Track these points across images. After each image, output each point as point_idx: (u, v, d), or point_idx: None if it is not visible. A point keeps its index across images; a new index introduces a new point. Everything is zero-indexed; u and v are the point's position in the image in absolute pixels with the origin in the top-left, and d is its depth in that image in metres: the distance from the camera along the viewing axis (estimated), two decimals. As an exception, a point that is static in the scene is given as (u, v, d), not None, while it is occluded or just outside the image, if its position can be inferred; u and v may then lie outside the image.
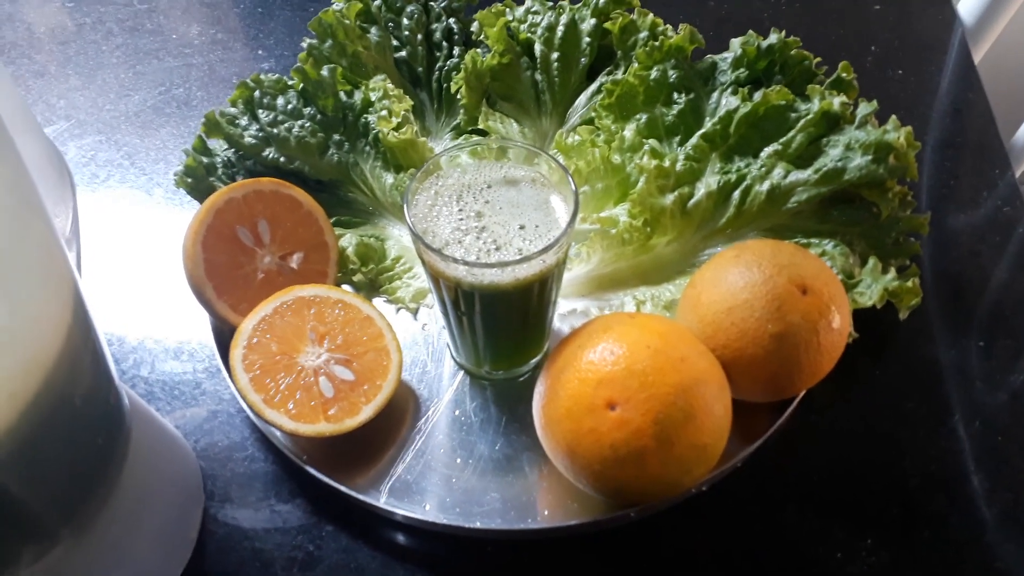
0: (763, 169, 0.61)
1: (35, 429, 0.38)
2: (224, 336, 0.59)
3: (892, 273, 0.57)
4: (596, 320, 0.51)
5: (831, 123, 0.61)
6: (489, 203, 0.52)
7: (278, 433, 0.55)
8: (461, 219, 0.51)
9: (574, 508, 0.53)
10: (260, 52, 0.87)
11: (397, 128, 0.65)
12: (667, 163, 0.62)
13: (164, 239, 0.70)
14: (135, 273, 0.68)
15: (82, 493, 0.45)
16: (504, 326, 0.54)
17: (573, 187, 0.50)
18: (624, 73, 0.69)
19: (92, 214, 0.70)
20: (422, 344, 0.62)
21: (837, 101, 0.60)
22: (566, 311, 0.63)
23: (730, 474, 0.54)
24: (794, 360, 0.50)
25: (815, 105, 0.61)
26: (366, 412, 0.55)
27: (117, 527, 0.48)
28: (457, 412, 0.59)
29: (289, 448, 0.55)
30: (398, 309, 0.64)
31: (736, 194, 0.61)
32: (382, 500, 0.54)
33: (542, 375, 0.51)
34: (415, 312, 0.64)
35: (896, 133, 0.58)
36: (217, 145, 0.68)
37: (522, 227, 0.50)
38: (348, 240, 0.65)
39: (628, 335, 0.48)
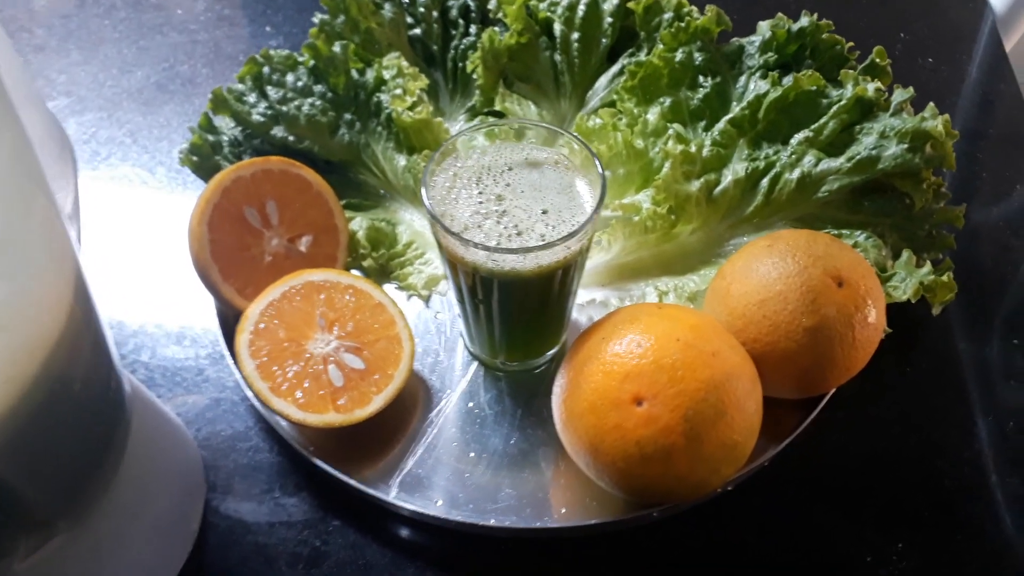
0: (793, 156, 0.59)
1: (33, 415, 0.35)
2: (229, 321, 0.56)
3: (927, 267, 0.54)
4: (621, 311, 0.49)
5: (865, 110, 0.58)
6: (510, 186, 0.49)
7: (284, 423, 0.53)
8: (481, 202, 0.48)
9: (593, 507, 0.51)
10: (268, 29, 0.84)
11: (411, 108, 0.63)
12: (693, 148, 0.60)
13: (167, 219, 0.67)
14: (137, 254, 0.66)
15: (80, 483, 0.42)
16: (522, 315, 0.52)
17: (600, 169, 0.47)
18: (647, 55, 0.67)
19: (93, 193, 0.67)
20: (434, 333, 0.60)
21: (871, 87, 0.58)
22: (584, 301, 0.60)
23: (756, 473, 0.51)
24: (828, 355, 0.47)
25: (848, 91, 0.58)
26: (377, 402, 0.52)
27: (116, 518, 0.46)
28: (471, 404, 0.56)
29: (295, 439, 0.53)
30: (409, 296, 0.62)
31: (764, 182, 0.59)
32: (392, 495, 0.52)
33: (563, 367, 0.49)
34: (427, 299, 0.62)
35: (934, 121, 0.55)
36: (223, 123, 0.65)
37: (545, 212, 0.48)
38: (358, 224, 0.62)
39: (656, 327, 0.46)
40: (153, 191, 0.70)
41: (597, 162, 0.48)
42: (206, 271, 0.55)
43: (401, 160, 0.64)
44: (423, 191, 0.47)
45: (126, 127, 0.74)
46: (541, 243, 0.46)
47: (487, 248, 0.45)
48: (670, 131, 0.62)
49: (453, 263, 0.48)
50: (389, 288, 0.62)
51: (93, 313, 0.41)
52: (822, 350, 0.47)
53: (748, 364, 0.46)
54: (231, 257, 0.55)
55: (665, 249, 0.61)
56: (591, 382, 0.45)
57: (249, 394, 0.53)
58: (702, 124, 0.63)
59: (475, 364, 0.58)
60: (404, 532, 0.52)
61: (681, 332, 0.45)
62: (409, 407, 0.56)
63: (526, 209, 0.48)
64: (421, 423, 0.55)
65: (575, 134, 0.49)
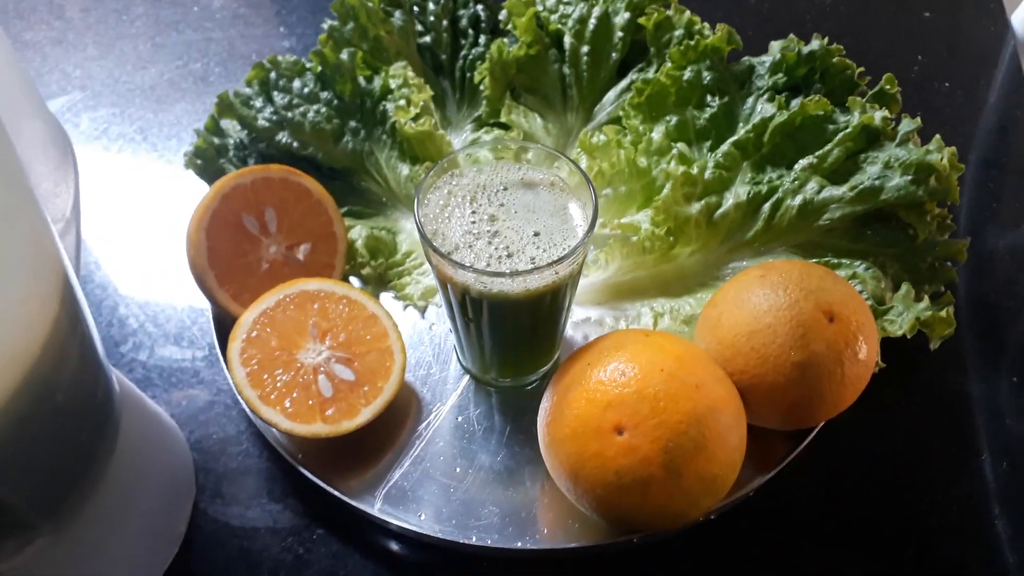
0: (796, 182, 0.58)
1: (16, 423, 0.36)
2: (225, 324, 0.57)
3: (925, 301, 0.53)
4: (608, 337, 0.49)
5: (871, 138, 0.58)
6: (504, 206, 0.49)
7: (274, 431, 0.53)
8: (474, 222, 0.48)
9: (575, 529, 0.51)
10: (282, 29, 0.84)
11: (415, 118, 0.63)
12: (695, 170, 0.59)
13: (172, 220, 0.68)
14: (140, 253, 0.67)
15: (65, 487, 0.43)
16: (512, 335, 0.52)
17: (593, 194, 0.47)
18: (656, 72, 0.66)
19: (100, 190, 0.68)
20: (428, 344, 0.60)
21: (878, 115, 0.57)
22: (580, 319, 0.60)
23: (742, 502, 0.51)
24: (816, 391, 0.47)
25: (855, 118, 0.58)
26: (364, 415, 0.53)
27: (103, 519, 0.47)
28: (460, 419, 0.56)
29: (284, 447, 0.54)
30: (406, 306, 0.62)
31: (766, 207, 0.59)
32: (376, 507, 0.52)
33: (548, 390, 0.49)
34: (423, 310, 0.62)
35: (939, 154, 0.55)
36: (230, 126, 0.66)
37: (536, 234, 0.48)
38: (358, 232, 0.63)
39: (641, 355, 0.45)
40: (160, 190, 0.71)
41: (591, 186, 0.47)
42: (202, 277, 0.55)
43: (404, 169, 0.64)
44: (416, 210, 0.47)
45: (137, 124, 0.75)
46: (531, 267, 0.46)
47: (476, 270, 0.45)
48: (674, 150, 0.61)
49: (444, 282, 0.49)
50: (385, 298, 0.62)
51: (81, 322, 0.41)
52: (810, 385, 0.47)
53: (733, 397, 0.46)
54: (228, 264, 0.56)
55: (663, 270, 0.61)
56: (574, 408, 0.45)
57: (240, 400, 0.53)
58: (707, 144, 0.63)
59: (467, 378, 0.58)
60: (387, 544, 0.53)
61: (666, 362, 0.45)
62: (399, 419, 0.56)
63: (518, 231, 0.48)
64: (410, 435, 0.56)
65: (572, 157, 0.49)
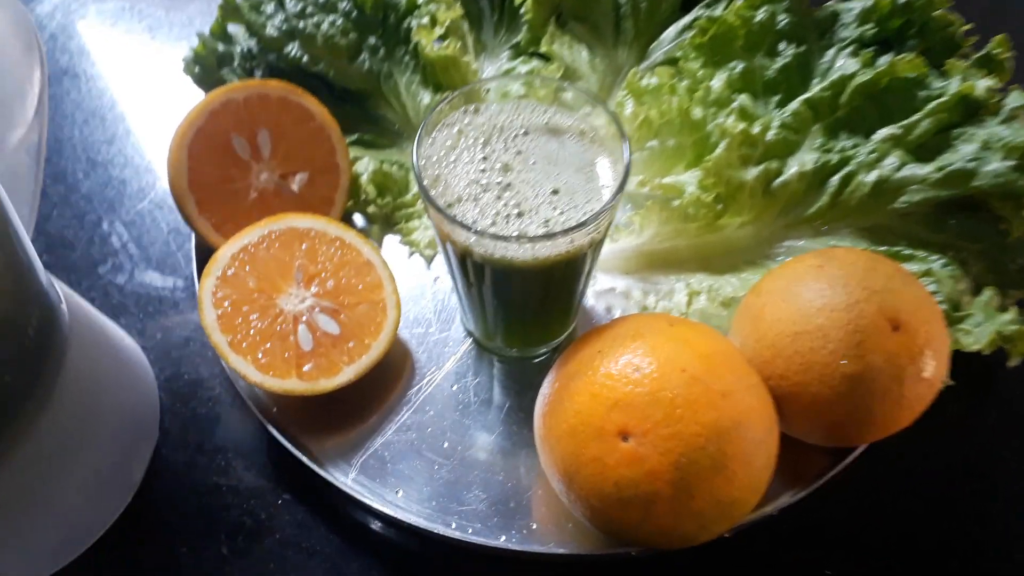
0: (873, 155, 0.49)
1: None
2: (208, 255, 0.51)
3: (1011, 314, 0.45)
4: (626, 320, 0.42)
5: (969, 111, 0.48)
6: (521, 155, 0.42)
7: (243, 381, 0.48)
8: (483, 170, 0.41)
9: (569, 530, 0.45)
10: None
11: (442, 38, 0.55)
12: (757, 129, 0.51)
13: (167, 130, 0.62)
14: (131, 164, 0.61)
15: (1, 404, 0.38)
16: (520, 303, 0.45)
17: (626, 151, 0.39)
18: (725, 9, 0.57)
19: (98, 90, 0.62)
20: (430, 300, 0.54)
21: (982, 85, 0.48)
22: (604, 288, 0.53)
23: (762, 521, 0.44)
24: (866, 409, 0.40)
25: (953, 85, 0.48)
26: (346, 374, 0.47)
27: (50, 457, 0.42)
28: (456, 387, 0.50)
29: (255, 399, 0.48)
30: (411, 253, 0.55)
31: (834, 180, 0.50)
32: (351, 476, 0.47)
33: (551, 374, 0.42)
34: (430, 260, 0.55)
35: (1053, 137, 0.45)
36: (239, 32, 0.59)
37: (555, 192, 0.40)
38: (365, 165, 0.56)
39: (662, 349, 0.38)
40: (158, 96, 0.65)
41: (625, 143, 0.40)
42: (182, 201, 0.49)
43: (425, 97, 0.57)
44: (414, 148, 0.40)
45: (146, 21, 0.69)
46: (542, 232, 0.39)
47: (477, 232, 0.38)
48: (735, 103, 0.53)
49: (442, 238, 0.42)
50: (390, 242, 0.56)
51: (14, 254, 0.36)
52: (861, 402, 0.39)
53: (766, 409, 0.39)
54: (212, 189, 0.50)
55: (706, 241, 0.53)
56: (575, 402, 0.39)
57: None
58: (774, 100, 0.54)
59: (469, 342, 0.52)
60: (358, 518, 0.48)
61: (689, 361, 0.38)
62: (387, 380, 0.50)
63: (534, 185, 0.41)
64: (398, 400, 0.50)
65: (611, 111, 0.41)
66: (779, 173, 0.51)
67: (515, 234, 0.38)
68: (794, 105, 0.52)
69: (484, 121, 0.43)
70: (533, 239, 0.37)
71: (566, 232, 0.37)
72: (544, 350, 0.51)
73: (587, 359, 0.40)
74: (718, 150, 0.51)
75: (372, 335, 0.48)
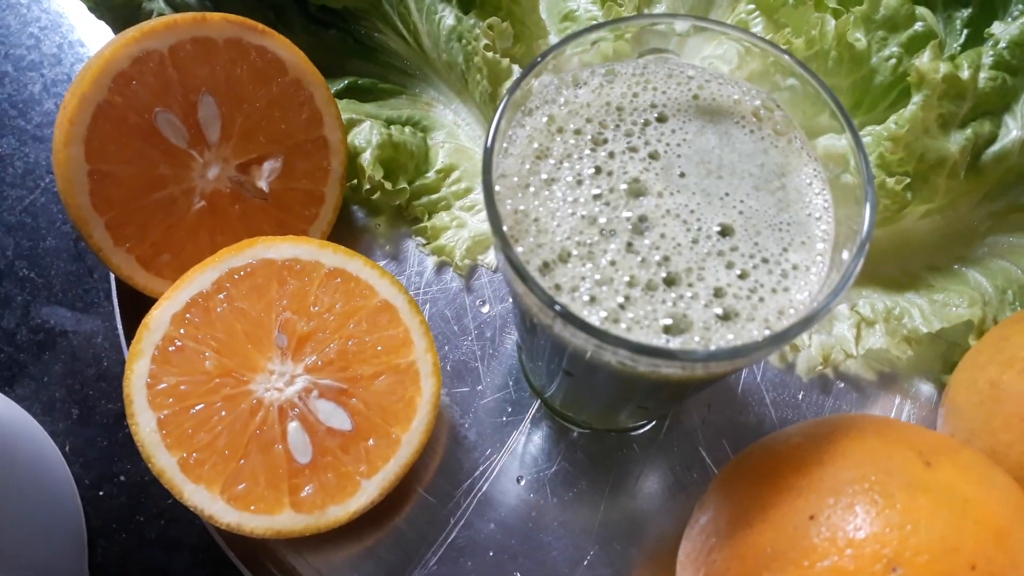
0: None
1: None
2: (136, 297, 0.33)
3: None
4: (835, 443, 0.25)
5: None
6: (659, 159, 0.24)
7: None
8: (598, 193, 0.24)
9: None
10: None
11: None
12: (966, 73, 0.33)
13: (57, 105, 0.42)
14: (9, 136, 0.42)
15: None
16: (619, 397, 0.28)
17: (864, 162, 0.22)
18: None
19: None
20: (473, 336, 0.36)
21: None
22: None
23: None
24: None
25: None
26: (366, 493, 0.31)
27: None
28: (524, 482, 0.34)
29: (225, 541, 0.32)
30: (439, 266, 0.38)
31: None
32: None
33: (708, 516, 0.26)
34: (466, 274, 0.38)
35: None
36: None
37: (724, 232, 0.23)
38: (367, 133, 0.37)
39: (927, 523, 0.22)
40: (46, 34, 0.45)
41: (849, 129, 0.22)
42: (83, 226, 0.31)
43: (449, 17, 0.38)
44: (483, 160, 0.22)
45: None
46: (720, 328, 0.22)
47: (607, 339, 0.21)
48: (917, 25, 0.35)
49: (526, 316, 0.24)
50: (407, 248, 0.38)
51: None
52: None
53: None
54: (129, 203, 0.31)
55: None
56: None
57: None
58: (962, 15, 0.36)
59: (536, 404, 0.35)
60: None
61: (978, 545, 0.22)
62: (422, 476, 0.34)
63: (688, 219, 0.23)
64: (442, 508, 0.33)
65: (817, 78, 0.23)
66: (992, 139, 0.34)
67: (677, 345, 0.21)
68: (1014, 29, 0.34)
69: (589, 98, 0.25)
70: (712, 356, 0.20)
71: (768, 343, 0.20)
72: (646, 423, 0.35)
73: (789, 525, 0.23)
74: (911, 106, 0.33)
75: (402, 423, 0.31)
